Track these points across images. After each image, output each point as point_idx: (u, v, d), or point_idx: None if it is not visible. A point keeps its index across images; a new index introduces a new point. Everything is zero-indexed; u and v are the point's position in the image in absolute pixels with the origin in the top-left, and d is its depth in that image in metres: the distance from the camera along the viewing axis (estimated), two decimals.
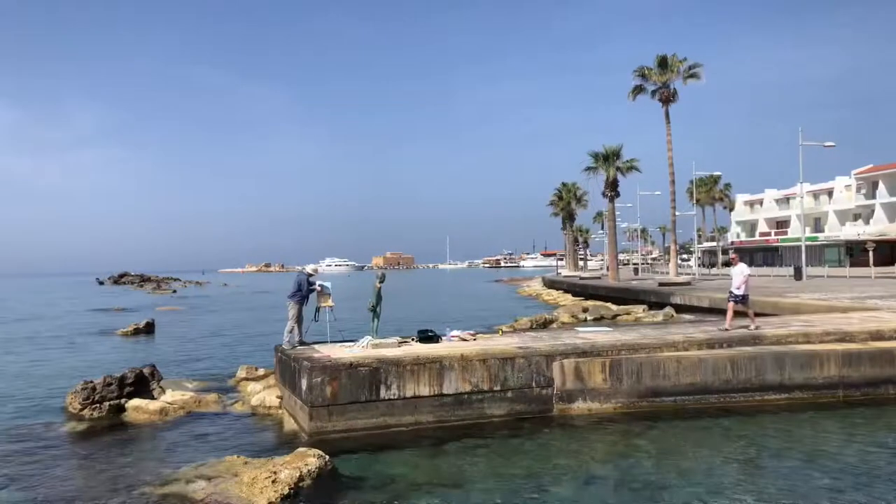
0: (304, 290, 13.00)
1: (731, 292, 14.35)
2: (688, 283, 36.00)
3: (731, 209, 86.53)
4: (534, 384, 11.32)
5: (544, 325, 23.79)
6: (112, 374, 12.98)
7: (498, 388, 11.09)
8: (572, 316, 27.36)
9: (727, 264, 73.53)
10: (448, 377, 10.80)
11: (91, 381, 12.69)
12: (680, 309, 26.42)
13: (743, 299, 14.18)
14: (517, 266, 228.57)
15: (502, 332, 15.06)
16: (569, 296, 44.47)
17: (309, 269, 13.62)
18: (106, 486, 8.37)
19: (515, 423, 10.90)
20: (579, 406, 11.45)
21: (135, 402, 12.58)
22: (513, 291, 63.65)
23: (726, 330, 13.73)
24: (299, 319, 12.99)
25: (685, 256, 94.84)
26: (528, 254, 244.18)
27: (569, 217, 76.09)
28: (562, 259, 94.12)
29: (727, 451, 9.48)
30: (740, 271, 14.24)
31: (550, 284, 58.63)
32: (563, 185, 74.14)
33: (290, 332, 12.84)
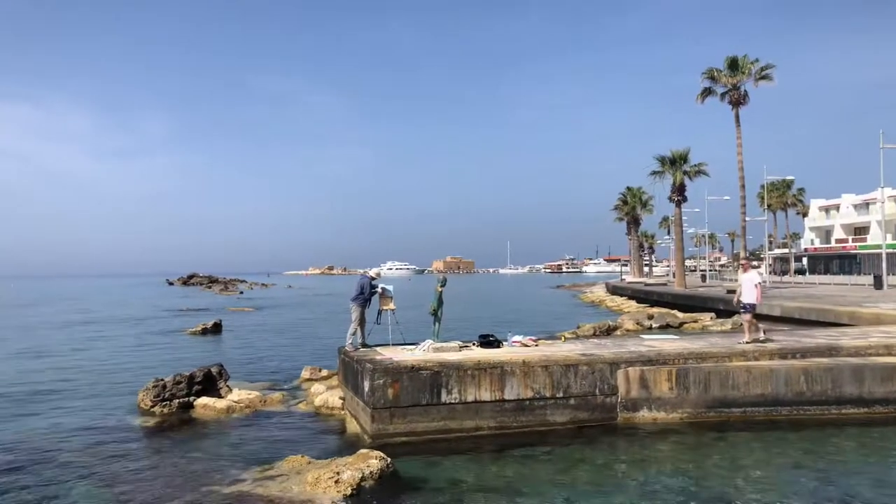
0: (366, 293, 13.06)
1: (740, 302, 13.61)
2: None
3: (805, 215, 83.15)
4: (597, 392, 11.11)
5: (608, 332, 23.39)
6: (181, 373, 13.41)
7: (560, 394, 10.93)
8: (637, 323, 26.81)
9: (800, 272, 70.91)
10: (509, 383, 10.71)
11: (161, 380, 13.14)
12: None
13: (751, 308, 13.37)
14: (579, 271, 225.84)
15: (565, 338, 14.84)
16: (633, 302, 43.61)
17: (372, 272, 13.71)
18: (176, 481, 8.62)
19: (578, 430, 10.72)
20: (644, 415, 11.19)
21: (203, 399, 12.95)
22: (575, 297, 62.88)
23: (748, 342, 12.95)
24: (362, 322, 13.08)
25: (755, 263, 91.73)
26: (590, 259, 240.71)
27: (634, 222, 74.66)
28: (626, 265, 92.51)
29: (800, 465, 9.09)
30: (750, 279, 13.49)
31: (614, 291, 57.61)
32: (628, 189, 72.82)
33: (353, 334, 12.94)
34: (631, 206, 72.74)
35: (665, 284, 52.50)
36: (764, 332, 13.49)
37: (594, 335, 21.29)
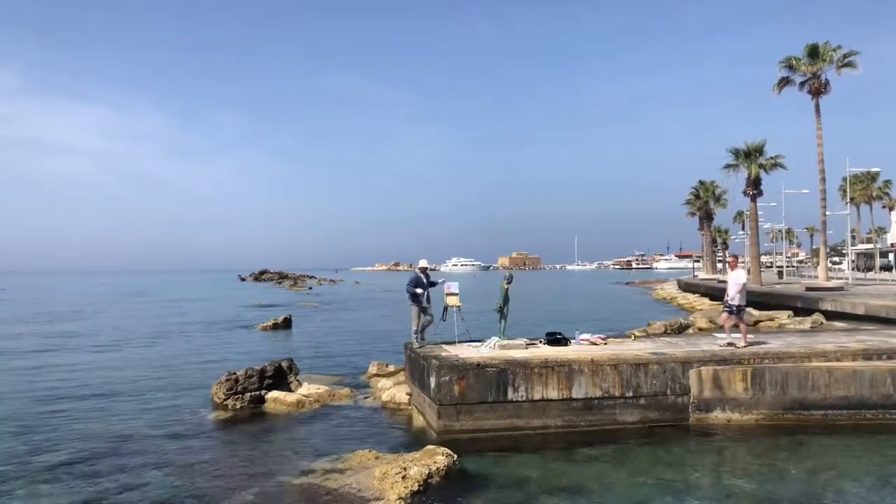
0: (419, 287, 12.92)
1: (725, 302, 12.70)
2: (839, 289, 33.16)
3: (892, 208, 78.83)
4: (668, 391, 10.83)
5: (679, 330, 22.73)
6: (253, 367, 13.77)
7: (630, 394, 10.70)
8: (710, 321, 25.94)
9: (886, 268, 67.25)
10: (577, 381, 10.54)
11: (234, 373, 13.52)
12: (830, 316, 24.36)
13: (738, 310, 12.43)
14: (649, 268, 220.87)
15: (635, 336, 14.53)
16: (706, 300, 42.31)
17: (421, 264, 13.61)
18: (247, 473, 8.85)
19: (648, 430, 10.48)
20: (717, 416, 10.84)
21: (274, 393, 13.27)
22: (645, 294, 61.59)
23: (730, 344, 12.17)
24: (420, 316, 13.00)
25: (836, 259, 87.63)
26: (661, 255, 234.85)
27: (706, 217, 72.40)
28: (698, 261, 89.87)
29: (886, 472, 8.60)
30: (736, 278, 12.53)
31: (686, 287, 56.10)
32: (701, 183, 70.64)
33: (416, 332, 12.96)
34: (704, 201, 70.56)
35: None
36: (745, 339, 12.37)
37: (665, 333, 20.73)
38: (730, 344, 12.17)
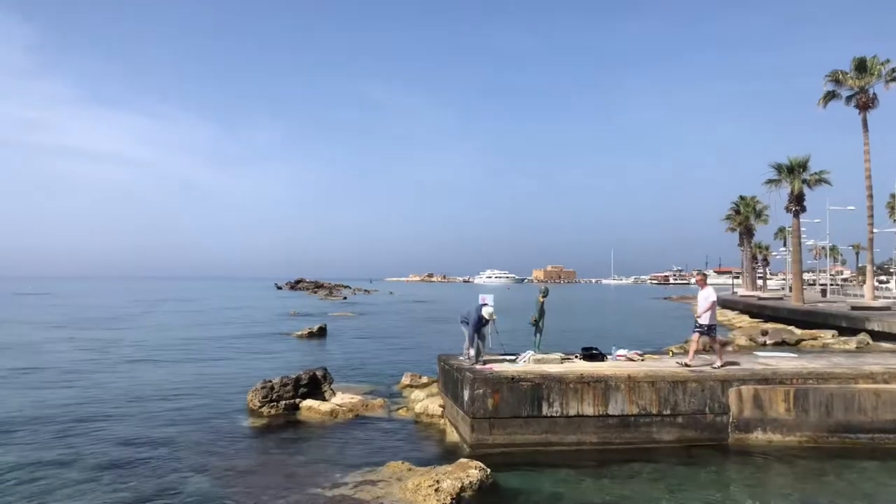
0: (474, 322, 12.39)
1: (695, 322, 12.29)
2: (887, 308, 32.21)
3: None
4: (707, 410, 10.60)
5: None
6: (288, 375, 13.88)
7: (667, 412, 10.50)
8: (750, 339, 25.45)
9: None
10: (613, 398, 10.39)
11: (269, 381, 13.64)
12: (877, 336, 23.67)
13: (709, 330, 12.03)
14: (687, 283, 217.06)
15: (672, 353, 14.28)
16: (745, 317, 41.48)
17: (486, 312, 12.54)
18: (281, 481, 8.89)
19: (686, 450, 10.26)
20: (758, 436, 10.57)
21: (308, 402, 13.34)
22: (683, 310, 60.52)
23: (687, 365, 11.73)
24: (475, 342, 12.61)
25: (883, 278, 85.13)
26: (699, 270, 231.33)
27: (746, 233, 71.01)
28: (737, 277, 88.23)
29: None
30: (705, 297, 12.12)
31: (725, 304, 54.95)
32: (741, 198, 69.36)
33: (468, 349, 12.43)
34: (744, 216, 69.25)
35: (780, 299, 49.62)
36: (721, 358, 11.96)
37: (704, 350, 20.35)
38: (686, 366, 11.72)
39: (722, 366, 11.67)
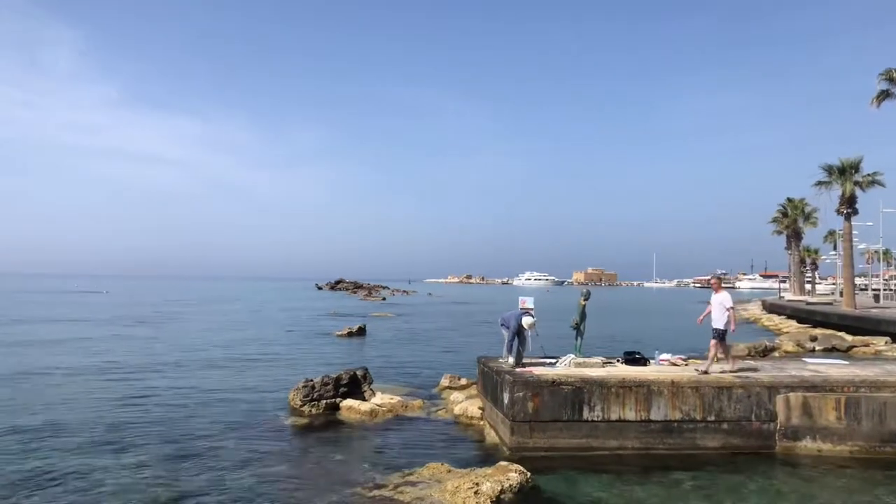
0: (514, 329, 12.28)
1: (713, 328, 11.85)
2: None
3: None
4: (753, 417, 10.35)
5: (764, 352, 21.78)
6: (329, 375, 14.00)
7: (712, 418, 10.28)
8: (797, 345, 24.80)
9: None
10: (656, 403, 10.21)
11: (311, 380, 13.78)
12: None
13: (722, 336, 11.66)
14: (732, 287, 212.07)
15: (717, 358, 13.95)
16: (793, 322, 40.41)
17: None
18: (322, 480, 8.97)
19: (730, 457, 10.03)
20: (807, 445, 10.27)
21: (348, 402, 13.44)
22: None
23: (705, 373, 11.26)
24: (514, 348, 12.51)
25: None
26: (744, 274, 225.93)
27: (794, 236, 69.26)
28: (784, 281, 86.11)
29: None
30: (720, 301, 11.72)
31: (771, 309, 53.74)
32: (789, 200, 67.72)
33: (510, 352, 12.36)
34: (792, 219, 67.59)
35: (830, 304, 48.23)
36: (733, 363, 11.77)
37: (749, 356, 19.89)
38: (704, 372, 11.31)
39: (734, 370, 11.42)
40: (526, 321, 12.23)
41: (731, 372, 11.39)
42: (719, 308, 11.70)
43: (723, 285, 12.34)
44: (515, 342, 12.22)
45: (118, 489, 8.44)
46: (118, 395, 14.98)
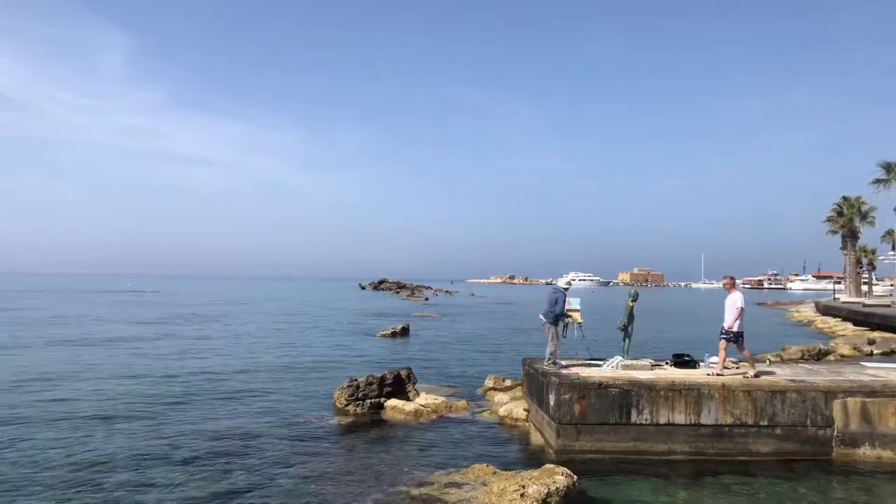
0: (559, 308, 12.30)
1: (721, 329, 11.38)
2: None
3: None
4: (808, 422, 10.02)
5: (818, 356, 21.13)
6: (374, 375, 14.08)
7: (764, 423, 10.00)
8: (854, 348, 23.96)
9: None
10: (707, 406, 9.98)
11: (355, 380, 13.87)
12: None
13: (736, 338, 11.16)
14: (783, 288, 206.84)
15: (769, 361, 13.61)
16: (849, 325, 39.09)
17: (562, 283, 13.09)
18: (367, 479, 9.01)
19: (784, 463, 9.74)
20: (865, 452, 9.91)
21: (392, 402, 13.49)
22: (779, 316, 57.71)
23: (719, 375, 10.90)
24: (556, 338, 12.43)
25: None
26: (797, 275, 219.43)
27: (850, 235, 67.05)
28: (839, 282, 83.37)
29: None
30: (732, 303, 11.22)
31: (825, 311, 52.07)
32: (845, 199, 65.62)
33: (552, 353, 12.23)
34: (847, 218, 65.47)
35: (889, 305, 46.50)
36: (754, 368, 11.34)
37: (802, 359, 19.33)
38: (719, 374, 11.06)
39: (755, 375, 11.05)
40: (573, 312, 12.29)
41: (752, 376, 11.04)
42: (731, 309, 11.36)
43: (733, 286, 11.89)
44: (559, 327, 12.24)
45: (166, 485, 8.62)
46: (166, 392, 15.33)
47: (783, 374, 11.41)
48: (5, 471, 9.13)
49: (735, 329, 11.27)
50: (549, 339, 12.28)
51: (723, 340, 11.45)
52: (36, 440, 10.82)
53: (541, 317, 12.50)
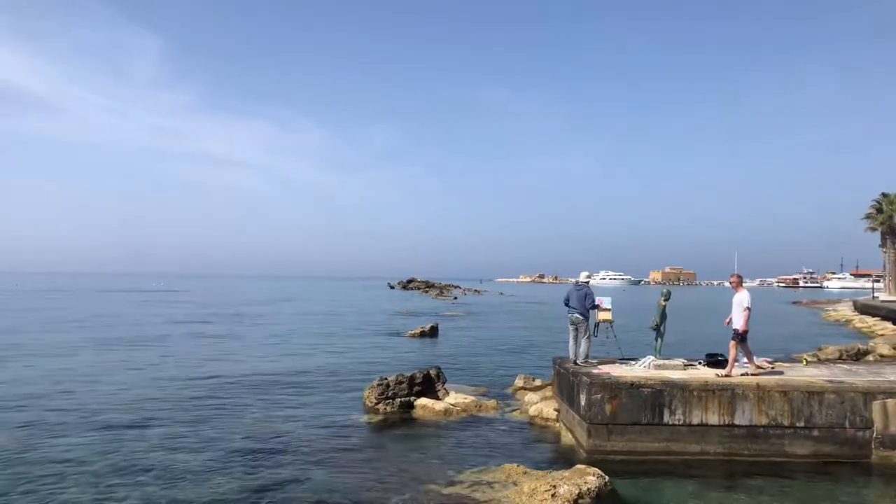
0: (589, 303, 12.57)
1: (734, 330, 11.09)
2: None
3: None
4: (847, 424, 9.80)
5: (857, 356, 20.64)
6: (403, 374, 14.12)
7: (801, 424, 9.80)
8: (894, 348, 23.37)
9: None
10: (741, 407, 9.82)
11: (385, 379, 13.93)
12: None
13: (743, 337, 10.87)
14: (819, 287, 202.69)
15: (806, 361, 13.33)
16: (888, 324, 38.17)
17: (582, 277, 13.12)
18: (397, 477, 9.04)
19: (821, 466, 9.54)
20: None
21: (422, 401, 13.52)
22: (815, 316, 56.55)
23: (727, 376, 10.57)
24: (578, 336, 12.61)
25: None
26: (833, 273, 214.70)
27: (890, 232, 65.40)
28: (878, 280, 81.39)
29: None
30: (739, 302, 10.95)
31: (864, 310, 50.89)
32: (884, 195, 64.04)
33: (586, 352, 12.44)
34: (887, 215, 63.87)
35: None
36: (755, 367, 11.13)
37: (840, 359, 18.90)
38: (726, 375, 10.74)
39: (754, 373, 10.86)
40: (604, 311, 12.33)
41: (752, 375, 10.87)
42: (738, 308, 11.16)
43: (740, 284, 11.67)
44: (589, 323, 12.39)
45: (197, 482, 8.72)
46: (197, 392, 15.52)
47: (820, 375, 11.18)
48: (46, 466, 9.35)
49: (742, 328, 11.09)
50: (583, 336, 12.42)
51: (733, 340, 11.22)
52: (72, 439, 11.06)
53: (577, 315, 12.54)
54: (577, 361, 12.26)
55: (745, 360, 11.28)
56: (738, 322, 11.06)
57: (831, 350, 21.61)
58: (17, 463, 9.49)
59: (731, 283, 11.86)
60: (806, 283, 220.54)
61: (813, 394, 9.88)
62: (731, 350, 11.17)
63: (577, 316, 12.48)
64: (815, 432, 9.82)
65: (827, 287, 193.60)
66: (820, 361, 15.22)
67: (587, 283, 12.87)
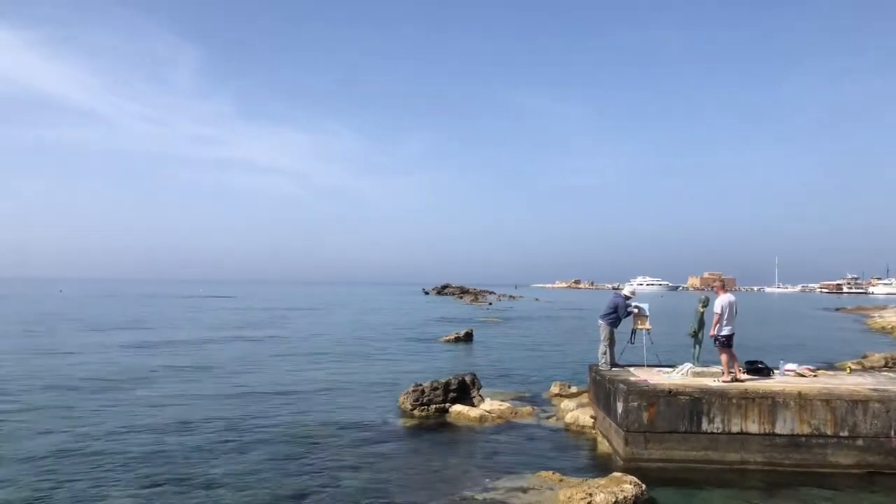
0: (620, 313, 12.88)
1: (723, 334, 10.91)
2: None
3: None
4: (893, 434, 9.57)
5: None
6: (438, 380, 14.18)
7: (845, 433, 9.60)
8: None
9: None
10: (782, 416, 9.65)
11: (420, 385, 14.01)
12: None
13: (723, 342, 10.83)
14: (864, 292, 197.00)
15: (850, 369, 13.04)
16: None
17: (626, 291, 13.32)
18: (433, 482, 9.09)
19: (866, 476, 9.33)
20: None
21: (457, 407, 13.55)
22: (859, 322, 55.09)
23: (728, 382, 10.45)
24: (611, 342, 12.81)
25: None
26: (879, 278, 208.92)
27: None
28: None
29: None
30: (717, 304, 10.90)
31: None
32: None
33: (604, 353, 12.74)
34: None
35: None
36: (728, 372, 10.84)
37: (886, 367, 18.40)
38: (728, 381, 10.62)
39: (731, 381, 10.64)
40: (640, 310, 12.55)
41: (726, 382, 10.68)
42: (724, 310, 11.08)
43: (723, 288, 11.57)
44: (611, 338, 12.79)
45: (234, 487, 8.84)
46: (235, 394, 15.81)
47: (865, 383, 10.92)
48: (90, 463, 9.63)
49: (724, 333, 11.03)
50: (602, 339, 12.85)
51: (718, 346, 11.11)
52: (111, 434, 11.37)
53: (599, 320, 13.05)
54: (599, 364, 12.76)
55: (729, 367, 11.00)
56: (724, 328, 11.03)
57: (877, 357, 21.06)
58: (53, 462, 9.80)
59: (714, 287, 11.84)
60: (850, 288, 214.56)
61: (857, 402, 9.67)
62: (721, 357, 11.05)
63: (599, 321, 13.14)
64: (860, 442, 9.60)
65: (872, 293, 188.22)
66: (864, 369, 14.87)
67: (627, 297, 13.29)
